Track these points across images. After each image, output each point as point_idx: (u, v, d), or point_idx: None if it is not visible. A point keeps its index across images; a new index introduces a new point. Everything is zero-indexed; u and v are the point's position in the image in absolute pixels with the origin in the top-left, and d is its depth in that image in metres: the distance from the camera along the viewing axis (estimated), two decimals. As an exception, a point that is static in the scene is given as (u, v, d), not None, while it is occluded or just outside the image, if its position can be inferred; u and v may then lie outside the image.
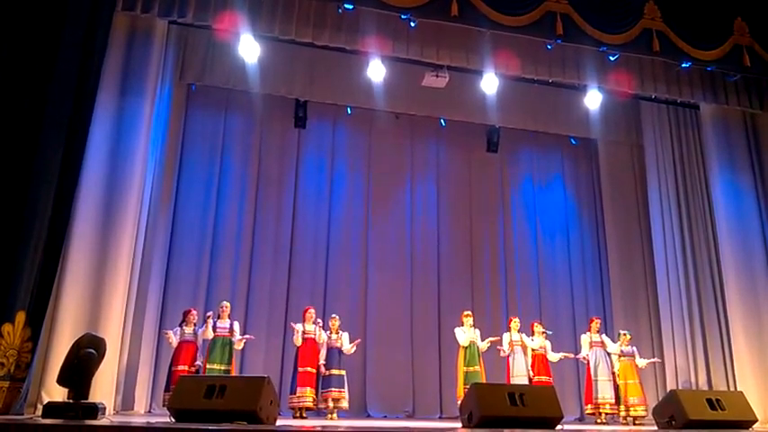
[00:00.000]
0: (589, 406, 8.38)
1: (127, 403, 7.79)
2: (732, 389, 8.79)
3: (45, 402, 5.79)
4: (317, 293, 9.63)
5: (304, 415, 7.58)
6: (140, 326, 8.06)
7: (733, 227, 9.34)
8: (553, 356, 8.46)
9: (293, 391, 7.56)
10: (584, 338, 8.64)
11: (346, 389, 7.75)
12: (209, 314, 7.78)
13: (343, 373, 7.81)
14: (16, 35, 6.76)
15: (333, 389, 7.63)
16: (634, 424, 8.16)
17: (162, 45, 8.15)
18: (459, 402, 7.14)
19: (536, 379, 8.19)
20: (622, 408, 8.22)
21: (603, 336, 8.70)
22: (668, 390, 8.44)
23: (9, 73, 6.67)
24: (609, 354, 8.49)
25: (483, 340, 8.28)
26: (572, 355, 8.74)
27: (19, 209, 6.42)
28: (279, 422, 5.27)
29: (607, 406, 8.22)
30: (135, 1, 7.46)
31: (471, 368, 7.99)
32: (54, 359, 6.41)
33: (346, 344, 7.92)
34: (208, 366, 7.48)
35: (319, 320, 7.94)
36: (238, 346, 7.80)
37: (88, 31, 7.12)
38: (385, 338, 9.67)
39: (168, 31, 8.28)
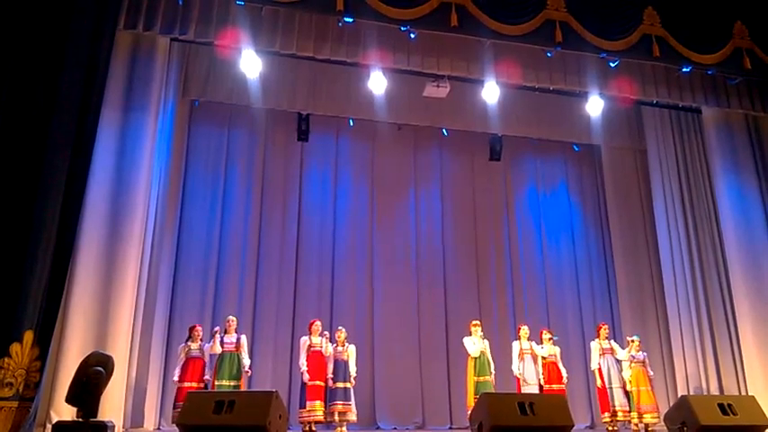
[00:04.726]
0: (606, 414, 8.28)
1: (136, 421, 7.77)
2: (743, 393, 8.73)
3: (54, 422, 5.79)
4: (323, 306, 9.63)
5: (314, 429, 7.55)
6: (148, 343, 8.06)
7: (739, 229, 9.30)
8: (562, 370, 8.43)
9: (303, 406, 7.53)
10: (594, 346, 8.58)
11: (353, 402, 7.72)
12: (215, 329, 7.78)
13: (350, 385, 7.79)
14: (20, 54, 6.80)
15: (338, 402, 7.61)
16: (646, 431, 8.10)
17: (164, 62, 8.20)
18: (469, 413, 7.11)
19: (548, 387, 8.15)
20: (634, 415, 8.15)
21: (612, 342, 8.65)
22: (679, 396, 8.38)
23: (13, 91, 6.70)
24: (619, 360, 8.44)
25: (492, 349, 8.26)
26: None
27: (25, 228, 6.42)
28: (288, 436, 5.25)
29: (621, 413, 8.16)
30: (137, 19, 7.52)
31: (482, 378, 7.96)
32: (62, 378, 6.41)
33: (353, 359, 7.90)
34: (217, 383, 7.46)
35: (326, 333, 7.93)
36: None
37: (91, 50, 7.15)
38: (393, 350, 9.64)
39: (170, 48, 8.33)
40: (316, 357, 7.74)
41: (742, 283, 9.10)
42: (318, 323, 8.00)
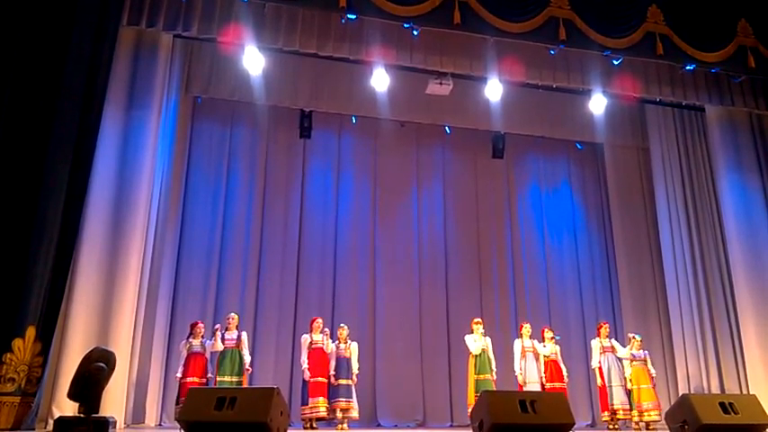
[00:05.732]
0: (605, 413, 8.28)
1: (137, 416, 7.79)
2: (744, 392, 8.72)
3: (56, 417, 5.80)
4: (325, 304, 9.62)
5: (315, 426, 7.57)
6: (150, 339, 8.08)
7: (741, 228, 9.29)
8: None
9: (306, 402, 7.53)
10: (595, 344, 8.57)
11: (355, 398, 7.73)
12: (216, 327, 7.78)
13: (351, 382, 7.79)
14: (23, 51, 6.82)
15: (341, 399, 7.61)
16: (647, 429, 8.09)
17: (167, 58, 8.21)
18: (469, 410, 7.11)
19: (549, 385, 8.14)
20: (635, 413, 8.15)
21: (613, 340, 8.63)
22: (680, 394, 8.37)
23: (17, 88, 6.72)
24: (619, 359, 8.43)
25: (494, 347, 8.25)
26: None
27: (27, 224, 6.45)
28: (289, 433, 5.26)
29: (621, 412, 8.16)
30: (140, 15, 7.54)
31: (482, 376, 7.94)
32: (64, 373, 6.43)
33: (355, 355, 7.91)
34: (219, 379, 7.47)
35: (326, 330, 7.94)
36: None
37: (94, 46, 7.18)
38: (394, 347, 9.63)
39: (173, 44, 8.34)
40: (317, 354, 7.73)
41: (744, 281, 9.09)
42: (320, 320, 8.00)
